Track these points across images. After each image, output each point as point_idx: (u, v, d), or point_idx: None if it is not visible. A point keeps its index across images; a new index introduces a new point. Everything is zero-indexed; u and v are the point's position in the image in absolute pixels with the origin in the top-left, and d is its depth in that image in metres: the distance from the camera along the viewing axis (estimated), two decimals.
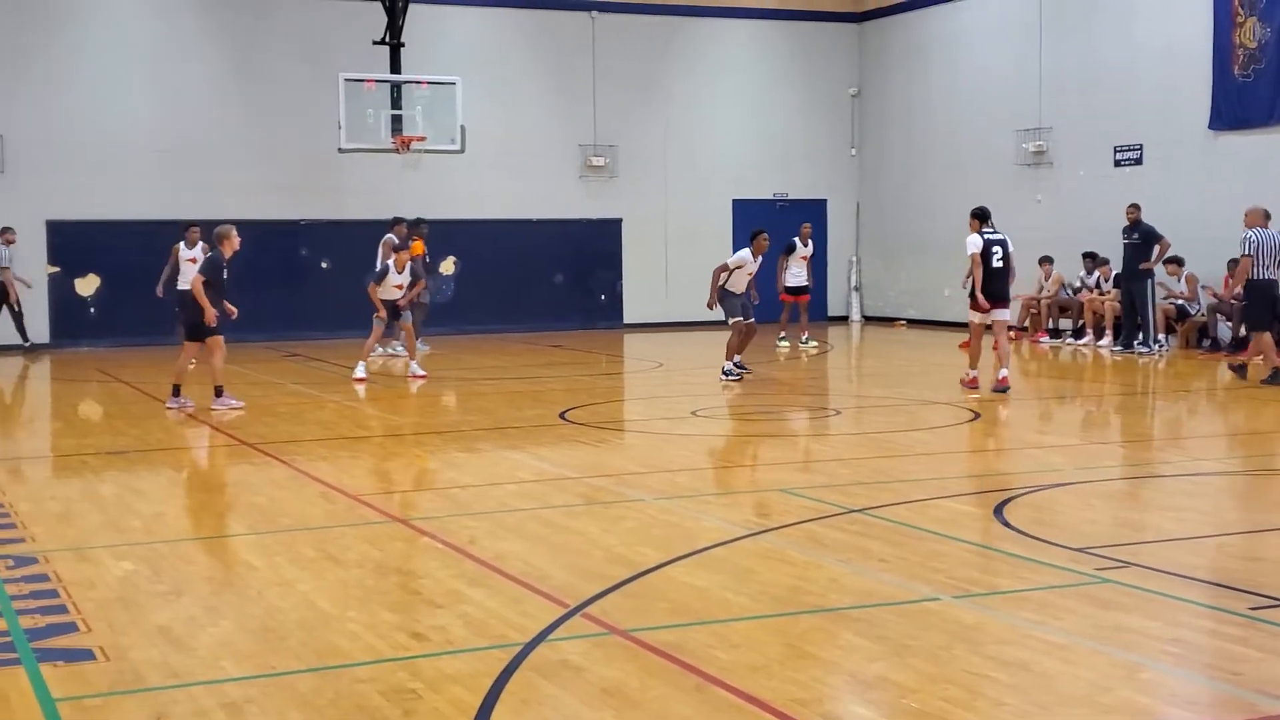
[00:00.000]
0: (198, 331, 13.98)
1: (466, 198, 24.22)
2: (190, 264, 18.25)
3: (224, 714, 5.05)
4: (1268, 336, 15.66)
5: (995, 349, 15.35)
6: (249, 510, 9.22)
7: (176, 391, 14.27)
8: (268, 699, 5.23)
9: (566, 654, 5.70)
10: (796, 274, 20.96)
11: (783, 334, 21.12)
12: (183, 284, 18.11)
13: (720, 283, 16.11)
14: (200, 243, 18.55)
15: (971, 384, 14.85)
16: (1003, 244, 14.67)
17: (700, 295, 17.50)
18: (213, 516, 9.08)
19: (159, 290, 19.78)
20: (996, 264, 14.61)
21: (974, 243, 14.57)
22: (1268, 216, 16.06)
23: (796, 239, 21.07)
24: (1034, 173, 23.53)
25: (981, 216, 14.74)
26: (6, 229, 21.01)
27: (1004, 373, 14.83)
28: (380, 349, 18.82)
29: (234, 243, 13.97)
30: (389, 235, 19.35)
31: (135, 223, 22.09)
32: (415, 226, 19.67)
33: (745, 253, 16.28)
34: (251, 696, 5.25)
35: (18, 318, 21.10)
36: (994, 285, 14.60)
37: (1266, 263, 15.60)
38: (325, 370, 18.45)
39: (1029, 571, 7.07)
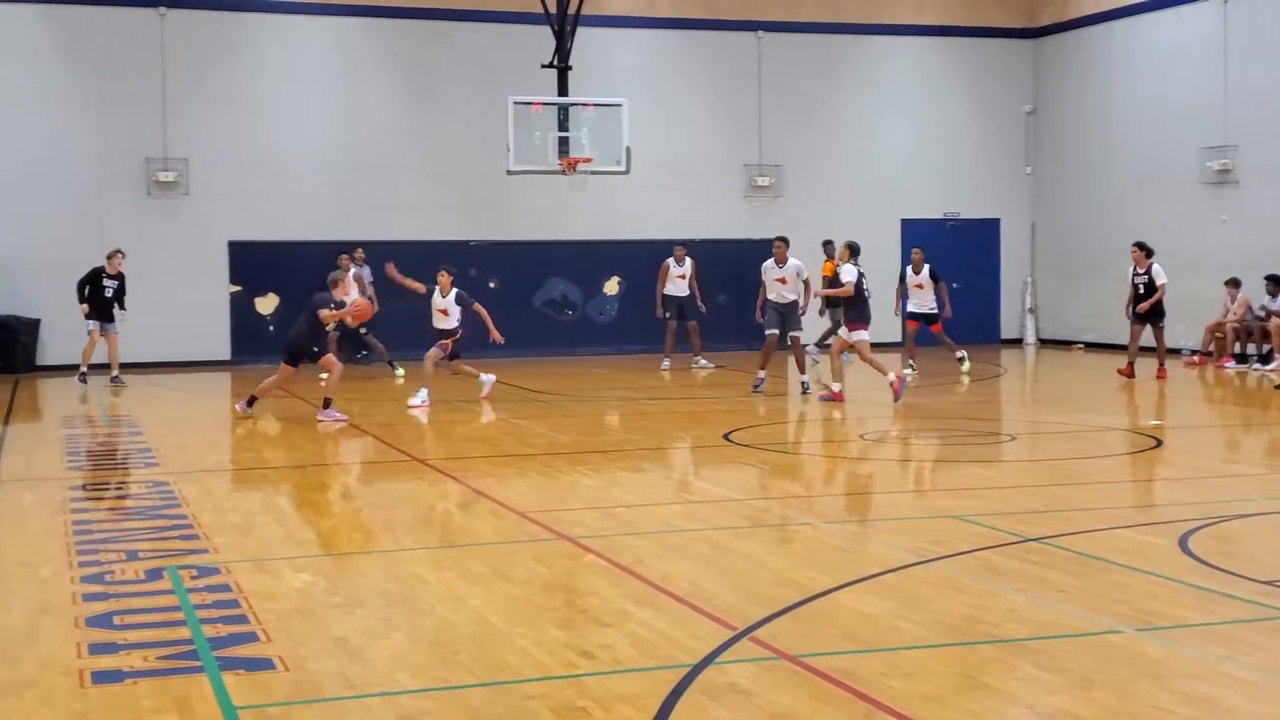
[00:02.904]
0: (302, 358, 15.13)
1: (631, 218, 24.35)
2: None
3: None
4: None
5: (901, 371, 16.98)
6: (421, 525, 9.36)
7: (327, 404, 14.98)
8: (441, 712, 5.28)
9: (735, 677, 5.65)
10: (918, 303, 19.91)
11: (960, 354, 20.17)
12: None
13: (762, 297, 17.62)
14: (354, 269, 19.04)
15: (836, 396, 16.13)
16: (864, 276, 16.45)
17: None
18: (385, 531, 9.24)
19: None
20: (865, 294, 16.35)
21: (850, 272, 16.26)
22: None
23: (909, 267, 20.20)
24: (1219, 192, 22.76)
25: (854, 250, 16.56)
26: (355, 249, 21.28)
27: (838, 386, 16.26)
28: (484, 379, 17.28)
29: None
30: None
31: (311, 243, 22.69)
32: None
33: (769, 262, 17.43)
34: (426, 709, 5.30)
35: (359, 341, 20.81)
36: (859, 311, 16.31)
37: None
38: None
39: (1216, 604, 6.80)
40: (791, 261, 17.22)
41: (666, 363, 20.97)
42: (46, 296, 21.43)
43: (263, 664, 5.89)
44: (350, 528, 9.48)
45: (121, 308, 19.42)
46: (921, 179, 26.47)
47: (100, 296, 19.24)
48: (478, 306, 16.37)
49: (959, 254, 26.19)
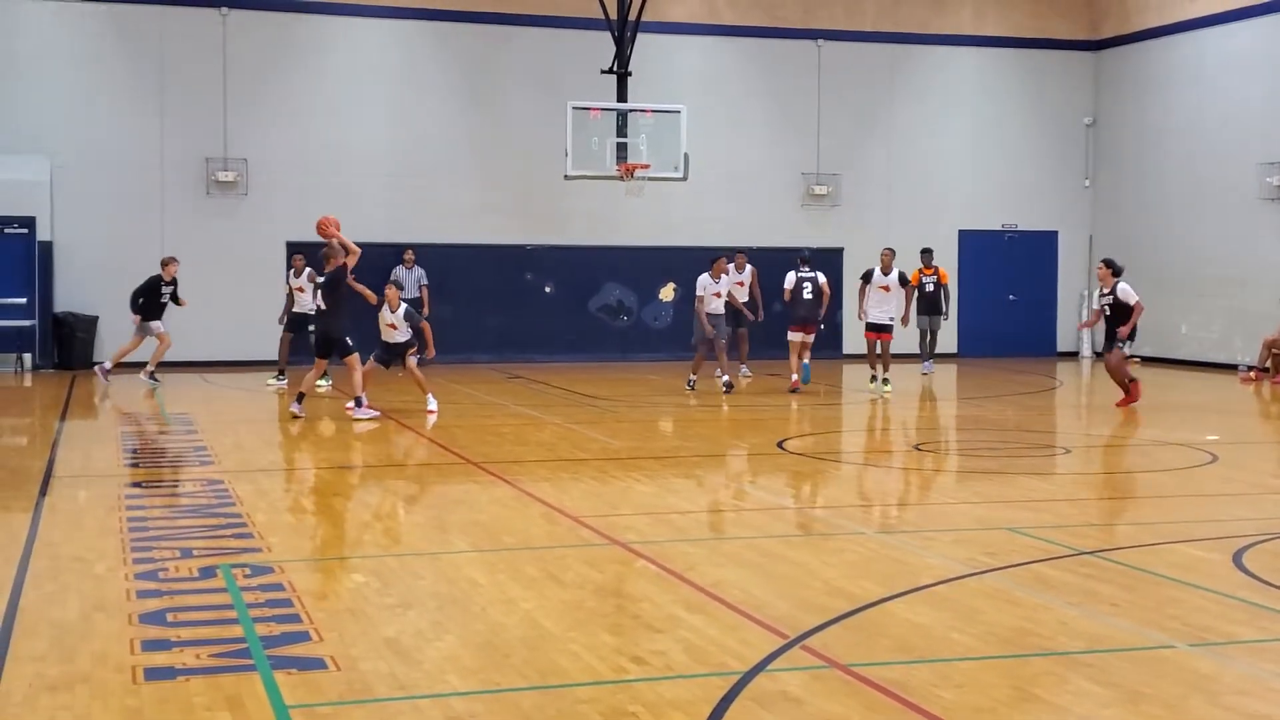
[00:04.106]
0: (332, 348, 15.37)
1: (688, 225, 24.36)
2: (300, 292, 19.02)
3: None
4: None
5: (801, 358, 18.54)
6: (474, 528, 9.42)
7: (359, 402, 15.32)
8: (491, 715, 5.32)
9: (786, 685, 5.65)
10: (876, 312, 18.97)
11: (873, 374, 19.14)
12: (299, 307, 18.99)
13: (700, 307, 18.82)
14: (308, 269, 18.97)
15: (793, 386, 18.25)
16: (813, 280, 18.20)
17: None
18: (438, 532, 9.29)
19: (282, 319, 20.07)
20: (807, 296, 18.20)
21: (790, 278, 18.33)
22: None
23: (876, 267, 19.19)
24: (1277, 208, 22.48)
25: (804, 259, 18.54)
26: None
27: (795, 377, 18.34)
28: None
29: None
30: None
31: (367, 245, 22.77)
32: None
33: (704, 277, 18.86)
34: (476, 712, 5.34)
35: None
36: (803, 312, 18.23)
37: None
38: (547, 393, 18.75)
39: (1270, 621, 6.73)
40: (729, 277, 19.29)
41: (738, 370, 20.50)
42: (104, 294, 21.67)
43: (314, 663, 5.94)
44: (403, 529, 9.54)
45: (176, 304, 19.70)
46: (980, 190, 26.31)
47: (157, 304, 19.54)
48: (425, 325, 16.33)
49: (1017, 266, 26.02)
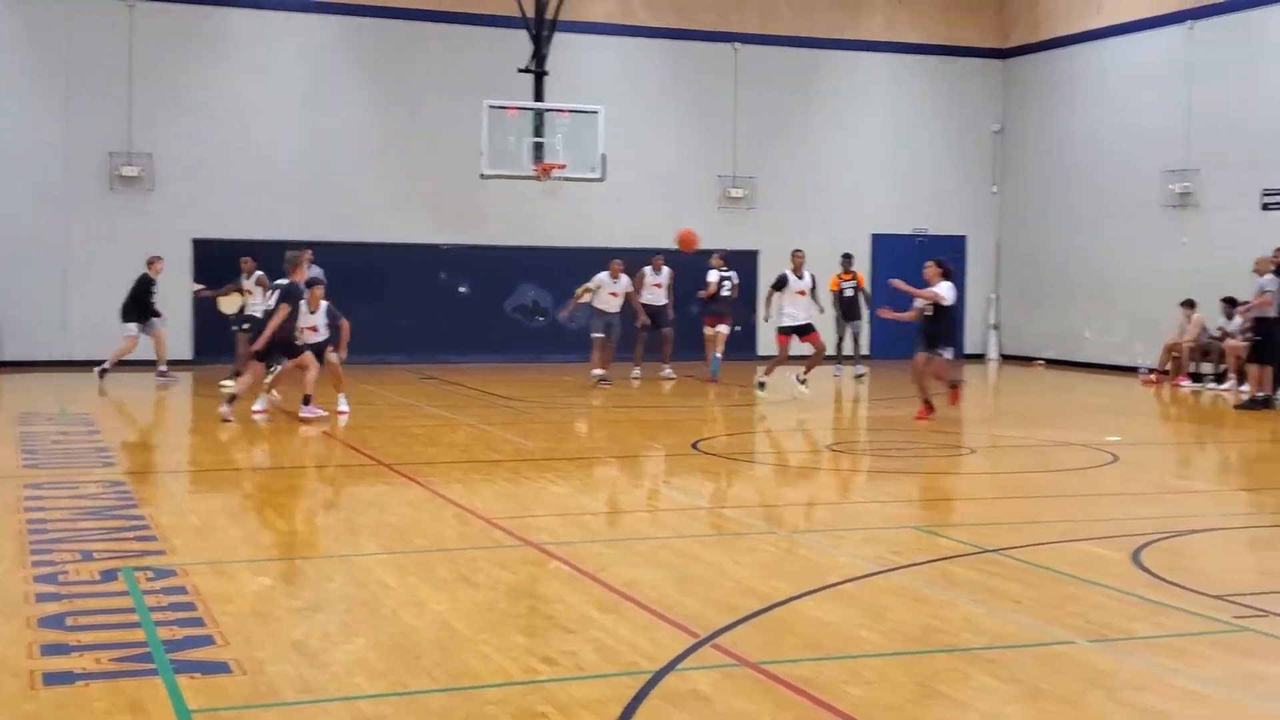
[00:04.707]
0: (281, 351, 15.20)
1: (606, 226, 24.36)
2: (248, 294, 18.89)
3: None
4: None
5: (717, 353, 20.33)
6: (385, 530, 9.36)
7: (307, 400, 15.13)
8: (400, 717, 5.29)
9: (696, 684, 5.68)
10: (792, 313, 18.11)
11: (789, 376, 18.40)
12: (249, 309, 18.69)
13: (578, 298, 20.27)
14: (258, 272, 18.81)
15: (708, 379, 19.95)
16: (730, 278, 20.53)
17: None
18: (349, 535, 9.22)
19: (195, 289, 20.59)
20: (725, 294, 20.39)
21: (712, 275, 20.39)
22: None
23: (788, 271, 18.35)
24: (1179, 214, 22.97)
25: (725, 258, 20.66)
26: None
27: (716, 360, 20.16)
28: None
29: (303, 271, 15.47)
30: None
31: (279, 243, 22.54)
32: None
33: (602, 275, 20.09)
34: (384, 714, 5.31)
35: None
36: (718, 307, 20.49)
37: None
38: (461, 394, 18.68)
39: (1166, 617, 6.89)
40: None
41: (638, 371, 20.99)
42: (7, 290, 21.26)
43: (219, 667, 5.86)
44: (312, 531, 9.46)
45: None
46: (892, 194, 26.62)
47: (148, 303, 19.64)
48: (344, 322, 15.92)
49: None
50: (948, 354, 15.88)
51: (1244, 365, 18.64)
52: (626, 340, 20.78)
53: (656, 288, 20.87)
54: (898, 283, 16.13)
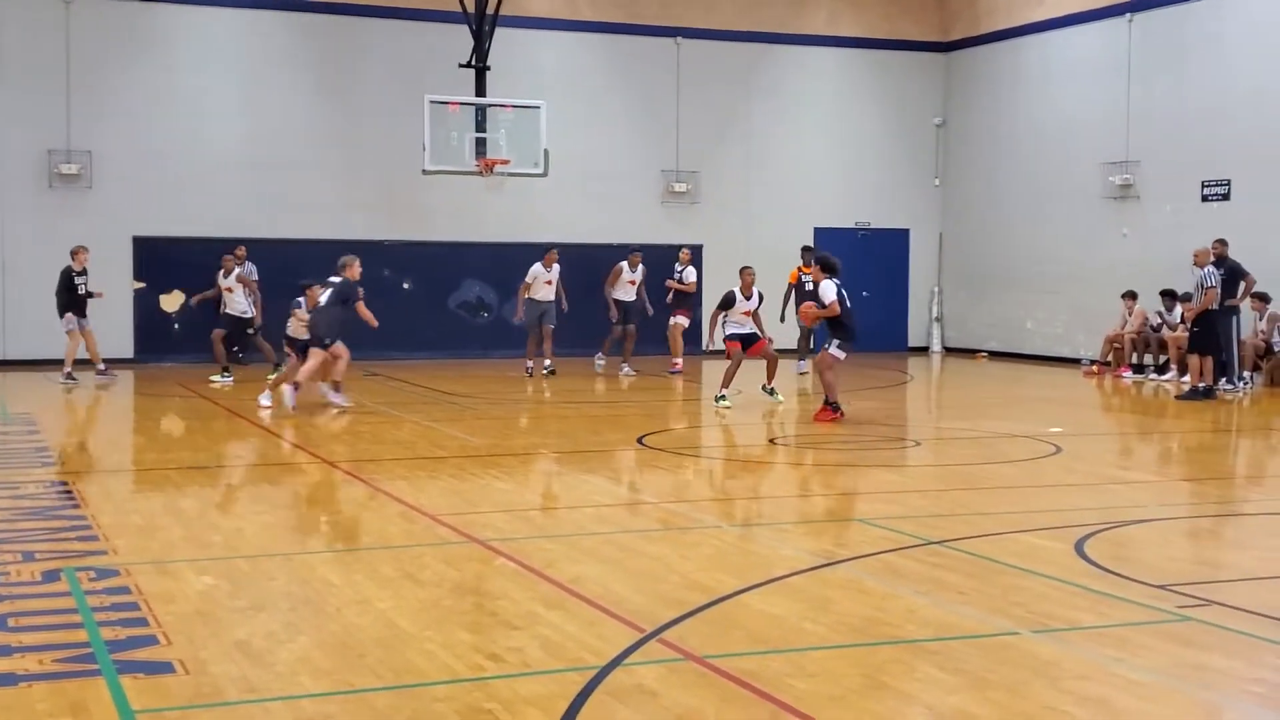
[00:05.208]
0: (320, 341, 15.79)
1: (549, 222, 24.31)
2: (229, 293, 19.12)
3: None
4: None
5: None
6: (329, 528, 9.30)
7: (337, 387, 16.00)
8: (345, 715, 5.27)
9: (642, 679, 5.69)
10: (738, 325, 16.71)
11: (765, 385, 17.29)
12: (230, 309, 19.11)
13: (523, 296, 20.39)
14: (237, 270, 19.04)
15: (674, 368, 20.80)
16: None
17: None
18: (293, 533, 9.17)
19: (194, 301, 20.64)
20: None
21: (690, 274, 21.55)
22: None
23: (736, 290, 16.74)
24: (1120, 206, 23.24)
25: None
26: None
27: (678, 361, 20.99)
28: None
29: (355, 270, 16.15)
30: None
31: (220, 240, 22.36)
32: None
33: (537, 266, 20.31)
34: (329, 713, 5.28)
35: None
36: (687, 300, 21.54)
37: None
38: (406, 390, 18.60)
39: (1109, 607, 6.96)
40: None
41: (602, 359, 21.50)
42: None
43: (162, 667, 5.82)
44: (255, 530, 9.38)
45: (89, 295, 19.46)
46: (834, 188, 26.75)
47: (76, 295, 19.26)
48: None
49: (871, 263, 26.46)
50: (838, 352, 15.12)
51: (1185, 356, 18.89)
52: (561, 331, 20.82)
53: (631, 284, 21.04)
54: (807, 311, 15.50)
